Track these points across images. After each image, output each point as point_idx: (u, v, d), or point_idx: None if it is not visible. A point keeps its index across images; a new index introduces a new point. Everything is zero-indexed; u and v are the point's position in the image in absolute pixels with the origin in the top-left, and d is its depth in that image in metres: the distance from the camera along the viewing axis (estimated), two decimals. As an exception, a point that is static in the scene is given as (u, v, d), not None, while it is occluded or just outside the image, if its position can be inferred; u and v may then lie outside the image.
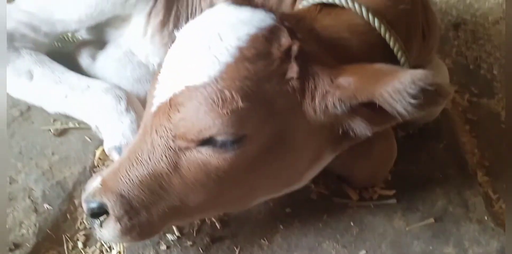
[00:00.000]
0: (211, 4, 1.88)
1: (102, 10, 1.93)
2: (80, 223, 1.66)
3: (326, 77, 1.19)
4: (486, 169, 1.94)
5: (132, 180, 1.24)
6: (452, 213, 1.67)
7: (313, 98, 1.21)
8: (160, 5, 1.95)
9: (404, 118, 1.17)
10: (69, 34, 2.36)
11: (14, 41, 1.99)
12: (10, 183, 1.72)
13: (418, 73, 1.09)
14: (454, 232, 1.61)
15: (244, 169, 1.24)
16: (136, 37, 2.05)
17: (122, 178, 1.24)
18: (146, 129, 1.26)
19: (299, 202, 1.67)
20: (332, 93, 1.19)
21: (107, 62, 2.10)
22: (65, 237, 1.61)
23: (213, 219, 1.64)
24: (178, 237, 1.59)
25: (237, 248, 1.57)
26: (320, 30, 1.33)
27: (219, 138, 1.16)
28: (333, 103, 1.19)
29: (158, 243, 1.57)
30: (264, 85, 1.16)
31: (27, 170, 1.78)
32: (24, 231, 1.59)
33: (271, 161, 1.27)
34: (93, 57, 2.14)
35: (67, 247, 1.59)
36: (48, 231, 1.61)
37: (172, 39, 1.99)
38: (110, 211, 1.25)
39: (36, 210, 1.65)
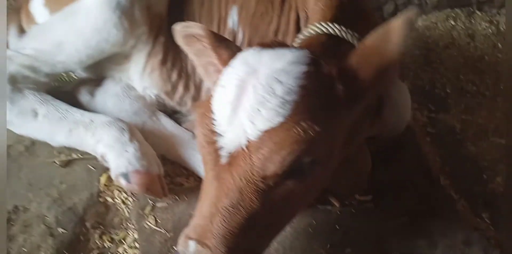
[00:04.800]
0: None
1: (101, 50, 2.14)
2: (93, 243, 1.82)
3: (357, 80, 1.38)
4: (447, 173, 2.21)
5: (233, 232, 1.28)
6: (422, 212, 1.91)
7: (352, 103, 1.40)
8: (159, 47, 2.20)
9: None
10: (65, 74, 2.56)
11: (17, 83, 2.16)
12: (23, 212, 1.87)
13: (402, 20, 1.30)
14: (425, 228, 1.84)
15: (312, 188, 1.44)
16: (136, 73, 2.27)
17: (221, 233, 1.28)
18: (223, 180, 1.31)
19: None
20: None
21: (106, 98, 2.30)
22: (80, 256, 1.78)
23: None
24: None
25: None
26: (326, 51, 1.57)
27: (305, 160, 1.29)
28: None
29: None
30: (326, 108, 1.34)
31: (38, 199, 1.94)
32: (42, 253, 1.74)
33: (324, 174, 1.46)
34: (92, 94, 2.33)
35: (84, 266, 1.75)
36: (65, 252, 1.76)
37: (168, 74, 2.25)
38: None
39: (52, 234, 1.80)
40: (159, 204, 1.95)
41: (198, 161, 2.08)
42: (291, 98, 1.28)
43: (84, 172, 2.08)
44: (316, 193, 1.55)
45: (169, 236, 1.82)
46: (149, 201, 1.95)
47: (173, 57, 2.26)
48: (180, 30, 1.65)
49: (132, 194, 2.01)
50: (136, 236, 1.84)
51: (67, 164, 2.11)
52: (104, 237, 1.84)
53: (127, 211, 1.95)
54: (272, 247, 1.76)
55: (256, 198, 1.30)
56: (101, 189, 2.01)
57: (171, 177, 2.08)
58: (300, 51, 1.40)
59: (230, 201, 1.29)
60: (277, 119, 1.27)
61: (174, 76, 2.29)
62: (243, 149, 1.28)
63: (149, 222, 1.87)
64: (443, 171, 2.23)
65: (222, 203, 1.29)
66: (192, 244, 1.29)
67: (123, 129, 2.02)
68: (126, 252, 1.79)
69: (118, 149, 1.96)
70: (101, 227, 1.87)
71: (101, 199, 1.98)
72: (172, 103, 2.35)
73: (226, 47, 1.57)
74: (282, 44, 1.48)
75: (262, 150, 1.27)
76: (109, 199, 1.98)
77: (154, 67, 2.26)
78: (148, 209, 1.93)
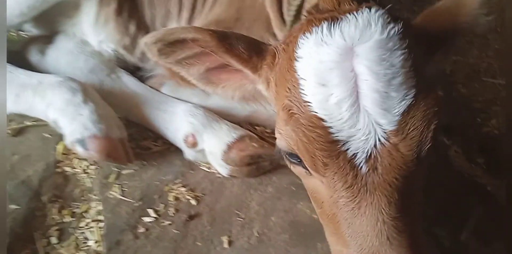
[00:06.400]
0: None
1: None
2: (51, 218, 1.63)
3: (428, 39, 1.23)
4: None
5: (409, 237, 1.09)
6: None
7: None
8: None
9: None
10: (14, 33, 2.29)
11: (-48, 44, 1.90)
12: (-29, 189, 1.67)
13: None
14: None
15: None
16: (88, 25, 2.00)
17: (403, 246, 1.08)
18: (377, 190, 1.10)
19: (267, 169, 1.71)
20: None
21: (58, 56, 2.04)
22: (37, 234, 1.59)
23: (188, 197, 1.66)
24: (155, 218, 1.59)
25: (215, 221, 1.59)
26: None
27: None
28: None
29: (136, 227, 1.57)
30: (426, 67, 1.17)
31: (-13, 173, 1.72)
32: (-6, 233, 1.55)
33: None
34: (43, 52, 2.07)
35: (41, 245, 1.56)
36: (19, 231, 1.57)
37: (125, 26, 1.98)
38: None
39: (3, 212, 1.61)
40: (124, 171, 1.76)
41: (164, 122, 1.87)
42: (409, 64, 1.08)
43: (38, 141, 1.86)
44: None
45: (137, 205, 1.64)
46: (114, 168, 1.76)
47: (129, 6, 2.00)
48: (156, 40, 1.26)
49: (94, 162, 1.80)
50: (100, 207, 1.66)
51: (20, 132, 1.89)
52: (64, 211, 1.65)
53: (89, 181, 1.75)
54: (252, 210, 1.61)
55: (415, 189, 1.13)
56: (59, 158, 1.80)
57: (136, 140, 1.87)
58: (377, 9, 1.12)
59: (395, 207, 1.09)
60: (411, 94, 1.07)
61: (132, 28, 2.03)
62: (383, 144, 1.08)
63: (114, 191, 1.69)
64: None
65: (388, 215, 1.09)
66: None
67: (75, 89, 1.77)
68: (89, 226, 1.61)
69: (71, 113, 1.73)
70: (60, 200, 1.68)
71: (58, 170, 1.77)
72: (132, 59, 2.10)
73: (238, 42, 1.26)
74: (345, 10, 1.18)
75: (410, 134, 1.07)
76: (68, 169, 1.77)
77: (108, 18, 1.99)
78: (112, 177, 1.74)
